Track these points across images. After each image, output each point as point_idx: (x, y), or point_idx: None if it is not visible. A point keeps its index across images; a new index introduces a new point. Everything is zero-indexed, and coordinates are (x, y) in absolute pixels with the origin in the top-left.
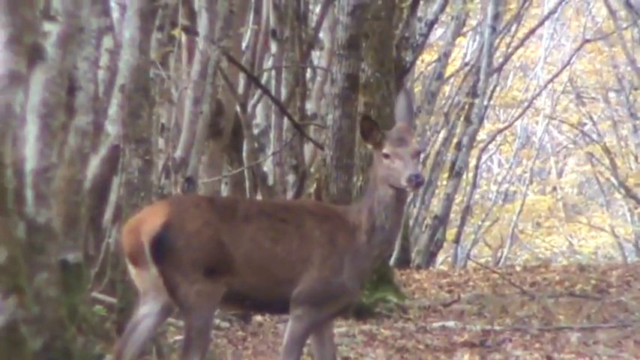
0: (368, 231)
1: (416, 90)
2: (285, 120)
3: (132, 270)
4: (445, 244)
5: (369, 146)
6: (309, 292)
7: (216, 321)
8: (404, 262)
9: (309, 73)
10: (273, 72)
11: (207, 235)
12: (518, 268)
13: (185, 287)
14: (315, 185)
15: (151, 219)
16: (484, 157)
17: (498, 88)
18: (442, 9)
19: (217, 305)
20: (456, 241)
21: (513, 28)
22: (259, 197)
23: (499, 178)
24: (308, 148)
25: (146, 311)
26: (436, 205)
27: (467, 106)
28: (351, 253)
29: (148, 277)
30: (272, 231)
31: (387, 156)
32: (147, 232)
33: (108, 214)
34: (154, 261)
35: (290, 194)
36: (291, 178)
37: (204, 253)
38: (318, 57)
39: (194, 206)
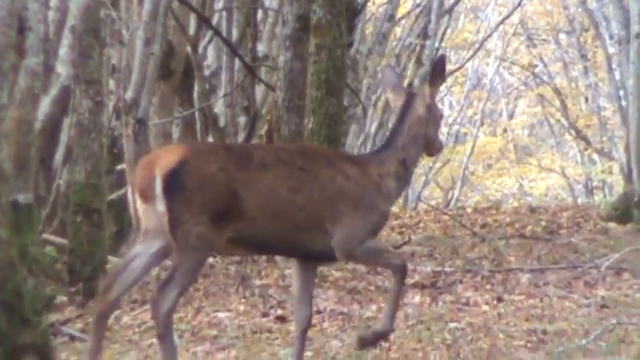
0: (398, 179)
1: (367, 32)
2: (237, 61)
3: (140, 206)
4: None
5: (427, 97)
6: (352, 235)
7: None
8: None
9: (260, 15)
10: (224, 13)
11: (221, 180)
12: (468, 210)
13: (188, 227)
14: (266, 127)
15: (168, 155)
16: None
17: (449, 30)
18: None
19: (213, 251)
20: None
21: None
22: (210, 139)
23: (450, 120)
24: (259, 90)
25: (141, 250)
26: None
27: (418, 48)
28: (382, 191)
29: (153, 214)
30: (291, 179)
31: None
32: (162, 166)
33: (58, 155)
34: (164, 195)
35: (241, 136)
36: (242, 119)
37: (214, 197)
38: None
39: (211, 152)
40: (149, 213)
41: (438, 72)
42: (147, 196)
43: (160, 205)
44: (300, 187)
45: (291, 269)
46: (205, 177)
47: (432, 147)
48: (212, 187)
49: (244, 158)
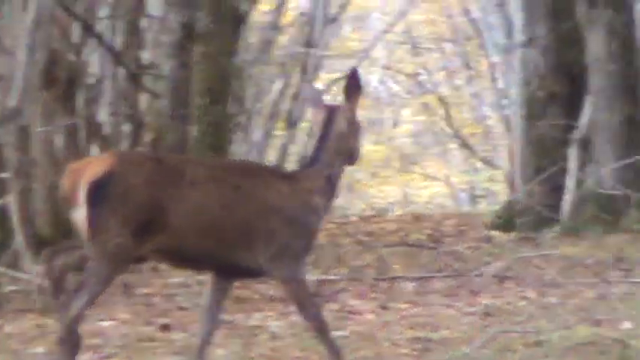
0: (325, 195)
1: (252, 40)
2: (121, 69)
3: (70, 211)
4: None
5: (348, 110)
6: (283, 254)
7: None
8: None
9: (144, 22)
10: (108, 21)
11: (146, 193)
12: (354, 218)
13: (107, 236)
14: (151, 135)
15: (95, 164)
16: None
17: (334, 39)
18: None
19: (130, 263)
20: None
21: None
22: (94, 147)
23: None
24: (144, 98)
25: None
26: (272, 156)
27: (303, 57)
28: (312, 207)
29: (77, 220)
30: (222, 197)
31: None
32: (88, 175)
33: None
34: (87, 203)
35: (125, 144)
36: (126, 127)
37: (138, 210)
38: (154, 6)
39: (140, 163)
40: (75, 219)
41: (352, 86)
42: (72, 203)
43: (82, 213)
44: (230, 205)
45: (175, 278)
46: (130, 189)
47: (353, 158)
48: (136, 200)
49: (175, 173)
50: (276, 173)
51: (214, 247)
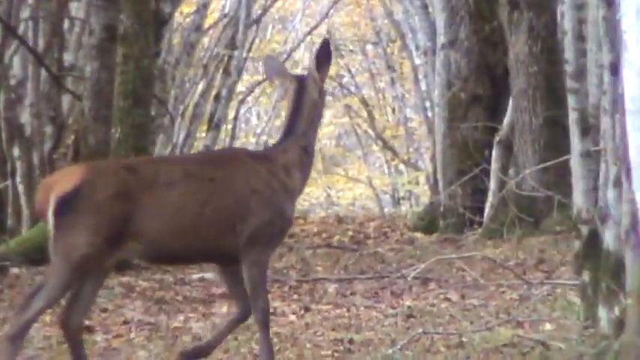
0: (302, 168)
1: (175, 41)
2: (43, 71)
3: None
4: None
5: (318, 81)
6: (257, 238)
7: None
8: None
9: (67, 24)
10: (30, 22)
11: (117, 205)
12: None
13: (72, 247)
14: (73, 136)
15: (64, 179)
16: (243, 109)
17: (257, 40)
18: None
19: (96, 270)
20: None
21: None
22: (16, 148)
23: (258, 130)
24: (66, 100)
25: None
26: None
27: (226, 58)
28: (289, 190)
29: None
30: (200, 193)
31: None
32: (57, 189)
33: None
34: (54, 218)
35: (47, 145)
36: (48, 129)
37: (108, 222)
38: (76, 8)
39: (111, 173)
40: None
41: (323, 56)
42: (44, 217)
43: (50, 226)
44: (209, 200)
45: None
46: (99, 203)
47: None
48: (106, 212)
49: (148, 177)
50: (255, 155)
51: (199, 242)
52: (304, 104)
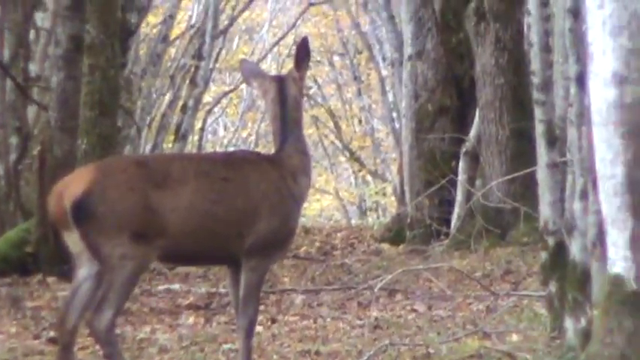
0: (306, 173)
1: (141, 52)
2: (9, 81)
3: (61, 234)
4: None
5: (298, 79)
6: (262, 244)
7: None
8: None
9: (32, 35)
10: None
11: (132, 200)
12: None
13: (108, 249)
14: (39, 147)
15: (74, 184)
16: (210, 120)
17: (224, 51)
18: None
19: (144, 268)
20: None
21: None
22: None
23: (225, 141)
24: (31, 110)
25: (85, 274)
26: None
27: (193, 69)
28: (295, 198)
29: (76, 240)
30: (212, 192)
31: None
32: (69, 197)
33: None
34: (76, 224)
35: (13, 156)
36: (14, 139)
37: (127, 219)
38: (41, 18)
39: (122, 170)
40: (72, 240)
41: (302, 54)
42: (63, 226)
43: (75, 235)
44: (221, 199)
45: (62, 292)
46: (114, 200)
47: None
48: (122, 209)
49: (160, 174)
50: (265, 159)
51: (210, 240)
52: (288, 105)
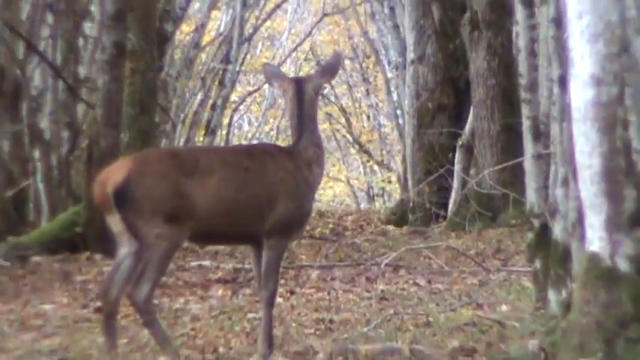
0: (320, 163)
1: (176, 57)
2: (61, 83)
3: (105, 216)
4: None
5: (316, 79)
6: (280, 225)
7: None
8: None
9: (81, 41)
10: (50, 40)
11: (165, 187)
12: None
13: (145, 230)
14: (87, 141)
15: (115, 173)
16: (236, 117)
17: (249, 56)
18: None
19: (177, 246)
20: None
21: (262, 3)
22: (37, 151)
23: (249, 135)
24: (81, 108)
25: (125, 251)
26: None
27: (221, 72)
28: (309, 185)
29: (117, 222)
30: (236, 180)
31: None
32: (111, 184)
33: None
34: (117, 208)
35: (64, 148)
36: (65, 134)
37: (162, 202)
38: (89, 27)
39: (157, 160)
40: (114, 222)
41: (332, 66)
42: (106, 209)
43: (117, 217)
44: (243, 186)
45: (107, 267)
46: (150, 187)
47: None
48: (157, 194)
49: (190, 164)
50: (282, 150)
51: (234, 224)
52: (304, 103)
